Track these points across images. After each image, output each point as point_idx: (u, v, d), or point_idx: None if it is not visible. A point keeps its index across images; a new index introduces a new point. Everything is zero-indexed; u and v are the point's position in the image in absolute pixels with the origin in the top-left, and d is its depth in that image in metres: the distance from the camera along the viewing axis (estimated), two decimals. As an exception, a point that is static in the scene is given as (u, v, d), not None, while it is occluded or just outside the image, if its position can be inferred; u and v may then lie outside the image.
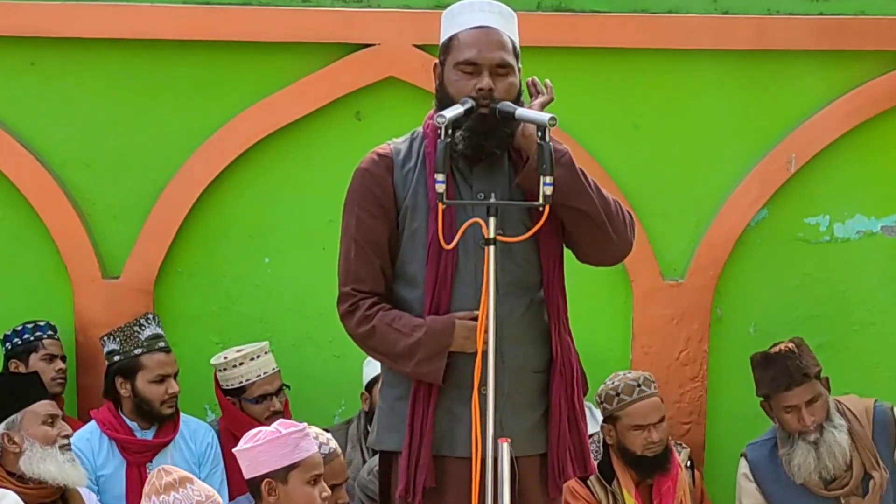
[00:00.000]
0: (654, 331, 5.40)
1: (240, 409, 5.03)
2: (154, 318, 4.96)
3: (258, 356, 5.05)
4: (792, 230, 5.49)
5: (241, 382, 5.02)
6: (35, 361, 5.03)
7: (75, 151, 5.25)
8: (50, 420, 4.36)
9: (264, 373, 5.04)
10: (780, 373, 4.78)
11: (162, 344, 4.89)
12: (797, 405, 4.77)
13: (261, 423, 4.88)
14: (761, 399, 4.92)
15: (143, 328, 4.88)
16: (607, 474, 4.70)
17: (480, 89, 3.42)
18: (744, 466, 4.98)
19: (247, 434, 3.89)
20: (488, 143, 3.47)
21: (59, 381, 5.08)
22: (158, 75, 5.22)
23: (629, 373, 4.84)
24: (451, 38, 3.50)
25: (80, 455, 4.75)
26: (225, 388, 5.05)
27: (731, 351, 5.51)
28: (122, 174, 5.26)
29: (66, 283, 5.25)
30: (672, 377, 5.38)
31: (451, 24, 3.52)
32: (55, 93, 5.21)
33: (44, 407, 4.37)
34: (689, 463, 5.03)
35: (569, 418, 3.60)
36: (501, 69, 3.46)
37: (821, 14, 5.32)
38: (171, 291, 5.32)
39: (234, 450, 3.91)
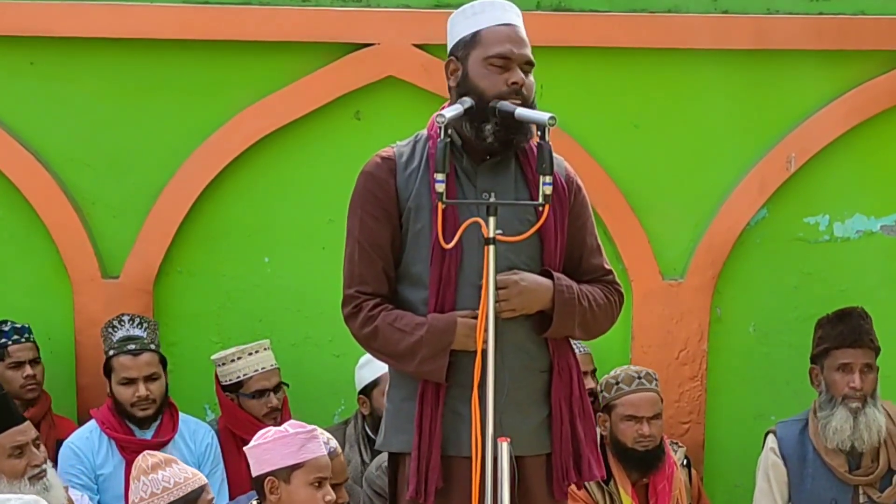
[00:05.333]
0: (653, 330, 5.40)
1: (238, 405, 5.04)
2: (132, 318, 4.93)
3: (256, 352, 5.07)
4: (792, 230, 5.50)
5: (238, 377, 5.04)
6: (2, 371, 4.97)
7: (75, 151, 5.25)
8: (17, 452, 4.19)
9: (262, 368, 5.05)
10: (850, 329, 4.92)
11: (132, 346, 4.86)
12: (853, 364, 4.89)
13: (258, 420, 4.94)
14: (811, 365, 5.02)
15: (116, 330, 4.89)
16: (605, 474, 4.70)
17: (514, 83, 3.46)
18: (772, 442, 5.04)
19: (258, 432, 3.94)
20: (517, 138, 3.50)
21: (30, 387, 4.99)
22: (158, 75, 5.22)
23: (634, 366, 4.87)
24: (475, 34, 3.53)
25: (79, 454, 4.77)
26: (224, 384, 5.06)
27: (731, 351, 5.51)
28: (121, 174, 5.26)
29: (65, 282, 5.25)
30: (671, 377, 5.38)
31: (473, 20, 3.55)
32: (55, 93, 5.21)
33: (10, 437, 4.20)
34: (685, 461, 5.04)
35: (570, 422, 3.60)
36: (528, 66, 3.52)
37: (820, 14, 5.32)
38: (171, 291, 5.32)
39: (245, 447, 3.95)
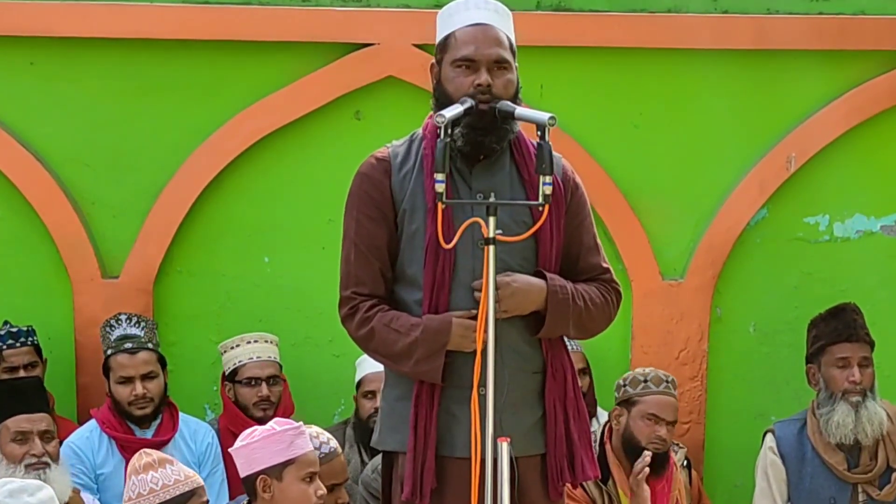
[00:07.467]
0: (653, 330, 5.40)
1: (234, 398, 5.06)
2: (129, 317, 4.94)
3: (255, 341, 5.10)
4: (792, 230, 5.50)
5: (234, 364, 5.08)
6: None
7: (75, 151, 5.25)
8: (20, 438, 4.35)
9: (257, 357, 5.07)
10: (845, 325, 4.96)
11: (129, 345, 4.86)
12: (851, 358, 4.92)
13: (251, 411, 4.99)
14: (807, 365, 5.04)
15: (114, 329, 4.90)
16: (603, 474, 4.69)
17: (479, 85, 3.43)
18: (770, 441, 5.05)
19: (243, 433, 3.92)
20: (487, 140, 3.47)
21: None
22: (158, 75, 5.22)
23: (661, 371, 4.84)
24: (447, 37, 3.52)
25: (79, 453, 4.77)
26: (226, 373, 5.10)
27: (731, 350, 5.52)
28: (121, 174, 5.26)
29: (65, 282, 5.25)
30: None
31: (448, 22, 3.54)
32: (55, 92, 5.21)
33: (16, 423, 4.38)
34: (685, 462, 5.03)
35: (564, 423, 3.60)
36: (499, 65, 3.47)
37: (820, 14, 5.32)
38: (171, 291, 5.32)
39: (230, 449, 3.94)
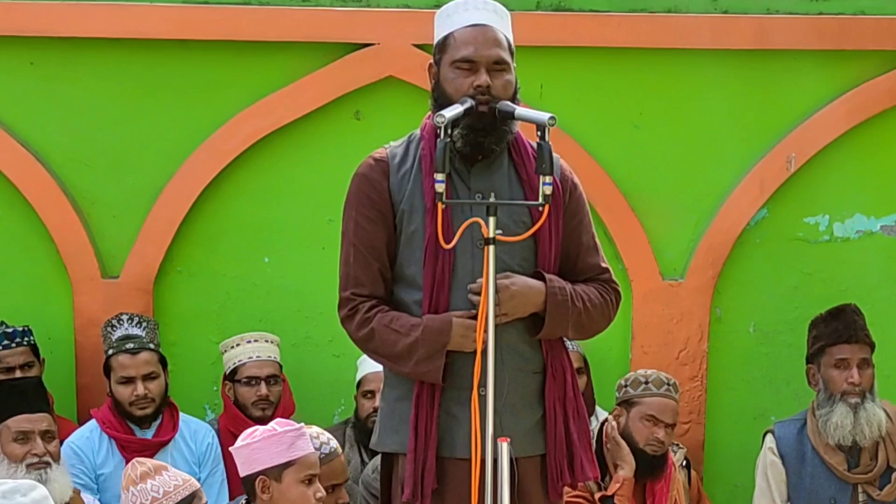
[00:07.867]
0: (653, 330, 5.40)
1: (234, 398, 5.06)
2: (131, 318, 4.94)
3: (256, 340, 5.11)
4: (792, 230, 5.50)
5: (234, 364, 5.08)
6: None
7: (75, 151, 5.25)
8: (21, 437, 4.36)
9: (257, 356, 5.07)
10: (846, 326, 4.96)
11: (130, 345, 4.86)
12: (850, 359, 4.92)
13: (250, 410, 4.99)
14: (807, 365, 5.05)
15: (115, 329, 4.91)
16: (601, 471, 4.68)
17: (478, 86, 3.43)
18: (770, 442, 5.05)
19: (244, 432, 3.92)
20: (487, 141, 3.48)
21: None
22: (158, 75, 5.22)
23: (663, 373, 4.85)
24: (446, 37, 3.52)
25: (79, 454, 4.77)
26: (226, 373, 5.10)
27: (731, 351, 5.52)
28: (121, 174, 5.26)
29: (65, 282, 5.25)
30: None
31: (446, 22, 3.54)
32: (55, 93, 5.21)
33: (17, 423, 4.38)
34: (684, 462, 5.03)
35: (564, 423, 3.60)
36: (498, 66, 3.47)
37: (820, 14, 5.32)
38: (171, 291, 5.32)
39: (230, 448, 3.94)
